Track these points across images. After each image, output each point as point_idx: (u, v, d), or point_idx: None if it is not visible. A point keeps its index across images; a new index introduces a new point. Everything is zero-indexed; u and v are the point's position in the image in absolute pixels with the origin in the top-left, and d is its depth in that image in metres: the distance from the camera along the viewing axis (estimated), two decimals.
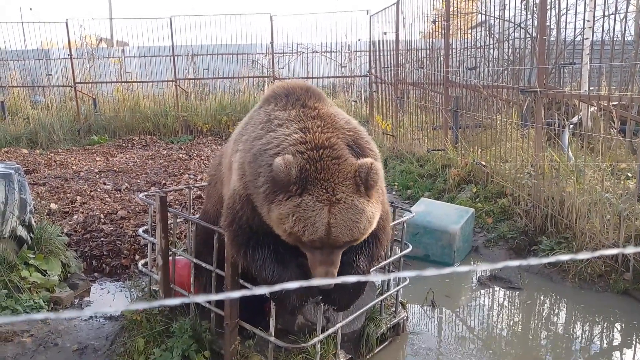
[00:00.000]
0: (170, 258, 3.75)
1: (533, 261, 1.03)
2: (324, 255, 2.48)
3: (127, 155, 11.32)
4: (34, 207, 5.39)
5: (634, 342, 4.05)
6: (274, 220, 2.48)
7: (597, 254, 1.02)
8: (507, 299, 4.88)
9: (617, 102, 6.08)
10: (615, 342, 4.08)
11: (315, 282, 0.94)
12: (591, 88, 7.21)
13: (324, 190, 2.39)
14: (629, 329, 4.21)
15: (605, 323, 4.36)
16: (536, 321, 4.48)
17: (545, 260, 1.03)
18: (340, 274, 2.59)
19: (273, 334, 3.13)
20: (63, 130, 13.16)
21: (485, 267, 1.02)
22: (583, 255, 0.98)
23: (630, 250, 1.00)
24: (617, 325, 4.31)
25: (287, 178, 2.36)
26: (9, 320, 0.82)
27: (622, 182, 5.61)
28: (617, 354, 3.91)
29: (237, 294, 0.93)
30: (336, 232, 2.40)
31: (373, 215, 2.50)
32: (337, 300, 2.89)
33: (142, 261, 4.37)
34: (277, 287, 1.08)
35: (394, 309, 4.03)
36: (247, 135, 2.84)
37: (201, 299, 0.90)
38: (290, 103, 2.82)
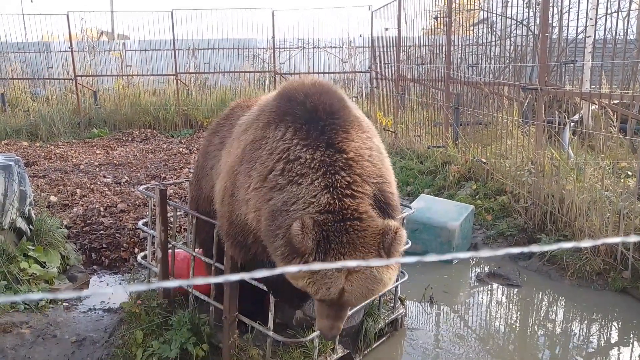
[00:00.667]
0: (170, 251, 3.75)
1: (535, 248, 1.02)
2: (332, 311, 2.40)
3: (127, 149, 11.32)
4: (34, 200, 5.39)
5: (631, 340, 4.05)
6: (288, 276, 2.37)
7: (600, 242, 1.02)
8: (506, 296, 4.89)
9: (618, 101, 6.07)
10: (613, 340, 4.09)
11: (316, 266, 0.93)
12: (592, 86, 7.19)
13: (345, 257, 2.24)
14: (627, 327, 4.22)
15: (603, 321, 4.36)
16: (534, 318, 4.48)
17: (546, 248, 1.03)
18: None
19: (272, 328, 3.14)
20: (63, 123, 13.15)
21: (487, 253, 1.02)
22: (586, 244, 0.98)
23: (633, 239, 1.00)
24: (615, 323, 4.31)
25: (303, 249, 2.21)
26: (7, 300, 0.82)
27: (622, 180, 5.61)
28: (614, 351, 3.92)
29: (235, 277, 0.93)
30: (349, 297, 2.29)
31: (390, 280, 2.38)
32: None
33: (142, 254, 4.37)
34: (278, 271, 1.08)
35: (392, 305, 4.04)
36: (261, 166, 2.51)
37: (200, 280, 0.89)
38: (312, 137, 2.44)
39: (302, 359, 3.19)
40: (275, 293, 3.07)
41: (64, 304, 4.46)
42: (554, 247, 1.03)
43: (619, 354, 3.87)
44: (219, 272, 3.36)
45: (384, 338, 3.89)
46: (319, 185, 2.33)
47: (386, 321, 3.87)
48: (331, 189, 2.32)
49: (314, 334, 3.17)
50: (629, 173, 5.83)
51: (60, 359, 3.68)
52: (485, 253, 1.05)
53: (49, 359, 3.66)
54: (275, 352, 3.24)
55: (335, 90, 2.75)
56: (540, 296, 4.87)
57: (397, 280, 4.02)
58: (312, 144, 2.42)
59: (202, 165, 3.64)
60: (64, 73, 15.66)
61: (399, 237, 2.23)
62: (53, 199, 7.04)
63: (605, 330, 4.25)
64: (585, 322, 4.39)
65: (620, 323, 4.30)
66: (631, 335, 4.12)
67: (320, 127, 2.46)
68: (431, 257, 0.93)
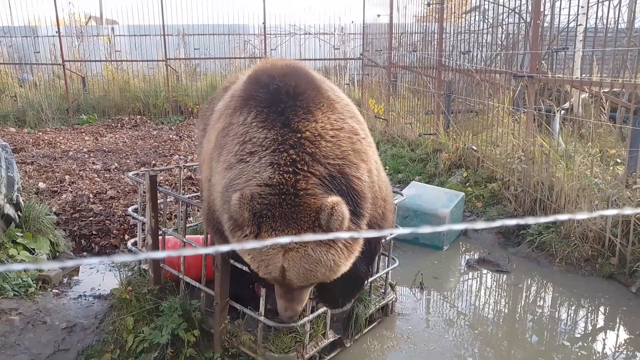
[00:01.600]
0: (160, 237, 3.73)
1: (531, 220, 1.03)
2: (285, 292, 2.45)
3: (117, 135, 11.21)
4: (22, 186, 5.33)
5: (617, 325, 4.12)
6: (237, 251, 2.45)
7: (596, 214, 1.03)
8: (495, 282, 4.94)
9: (608, 89, 6.10)
10: (599, 325, 4.15)
11: (310, 237, 0.93)
12: (583, 75, 7.22)
13: (278, 232, 2.24)
14: (614, 313, 4.28)
15: (591, 307, 4.43)
16: (523, 304, 4.53)
17: (542, 220, 1.03)
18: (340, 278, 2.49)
19: (263, 313, 3.15)
20: (51, 109, 12.97)
21: (482, 225, 1.02)
22: (581, 216, 0.98)
23: (629, 211, 1.01)
24: (602, 309, 4.38)
25: (241, 220, 2.24)
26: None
27: (611, 168, 5.66)
28: (601, 336, 3.98)
29: (225, 247, 0.92)
30: (290, 277, 2.31)
31: (336, 263, 2.33)
32: (332, 297, 2.88)
33: (132, 240, 4.35)
34: (269, 242, 1.07)
35: (383, 291, 4.06)
36: (226, 151, 2.53)
37: (189, 251, 0.88)
38: (270, 118, 2.43)
39: (294, 344, 3.21)
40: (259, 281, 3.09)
41: (53, 290, 4.44)
42: (550, 219, 1.03)
43: (605, 339, 3.93)
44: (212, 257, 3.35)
45: (375, 323, 3.92)
46: (264, 163, 2.34)
47: (377, 307, 3.89)
48: (275, 166, 2.31)
49: (305, 319, 3.18)
50: (618, 161, 5.88)
51: (50, 345, 3.66)
52: (480, 224, 1.05)
53: (39, 345, 3.65)
54: (266, 337, 3.25)
55: (306, 72, 2.71)
56: (529, 282, 4.92)
57: (387, 266, 4.04)
58: (268, 125, 2.43)
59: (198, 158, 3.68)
60: (52, 58, 15.43)
61: (336, 214, 2.18)
62: (41, 185, 6.97)
63: (593, 316, 4.31)
64: (573, 307, 4.45)
65: (607, 308, 4.36)
66: (617, 320, 4.18)
67: (280, 109, 2.45)
68: (425, 229, 0.93)
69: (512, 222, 0.99)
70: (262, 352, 3.15)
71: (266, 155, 2.35)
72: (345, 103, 2.76)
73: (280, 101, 2.47)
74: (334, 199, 2.23)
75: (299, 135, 2.38)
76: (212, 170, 2.71)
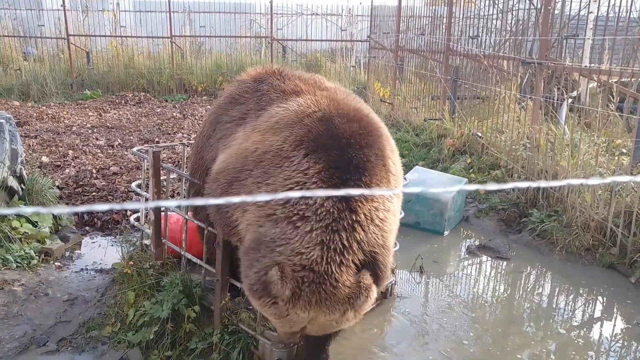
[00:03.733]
0: (162, 213, 3.74)
1: (543, 184, 1.02)
2: (292, 332, 2.52)
3: (121, 112, 11.19)
4: (25, 159, 5.34)
5: (614, 315, 4.13)
6: (254, 304, 2.45)
7: (609, 180, 1.01)
8: (495, 269, 4.95)
9: (617, 79, 6.03)
10: (597, 315, 4.17)
11: (320, 193, 0.92)
12: (592, 64, 7.14)
13: (311, 313, 2.31)
14: (612, 302, 4.29)
15: (589, 296, 4.44)
16: (521, 291, 4.55)
17: (554, 184, 1.02)
18: None
19: None
20: (55, 84, 12.91)
21: (494, 186, 1.02)
22: (594, 181, 0.97)
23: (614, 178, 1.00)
24: (600, 298, 4.39)
25: (279, 295, 2.23)
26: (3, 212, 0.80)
27: (617, 158, 5.63)
28: (597, 325, 4.00)
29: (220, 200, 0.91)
30: (310, 332, 2.43)
31: (353, 319, 2.43)
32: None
33: (134, 215, 4.37)
34: (273, 196, 1.06)
35: None
36: (273, 185, 2.44)
37: (200, 201, 0.88)
38: (332, 183, 2.36)
39: None
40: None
41: (55, 263, 4.47)
42: (562, 183, 1.02)
43: (601, 328, 3.95)
44: (212, 236, 3.36)
45: (374, 305, 3.94)
46: (314, 239, 2.27)
47: None
48: (324, 248, 2.27)
49: None
50: (624, 151, 5.84)
51: (52, 317, 3.70)
52: (492, 186, 1.05)
53: (40, 316, 3.69)
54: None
55: (382, 143, 2.60)
56: (528, 270, 4.93)
57: None
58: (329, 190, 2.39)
59: (209, 134, 3.34)
60: (56, 32, 15.30)
61: (370, 297, 2.29)
62: (45, 159, 6.98)
63: (591, 305, 4.33)
64: (572, 296, 4.47)
65: (605, 298, 4.38)
66: (615, 310, 4.20)
67: (344, 179, 2.37)
68: (436, 190, 0.93)
69: (524, 184, 0.98)
70: (261, 330, 3.18)
71: (318, 229, 2.28)
72: (399, 174, 2.75)
73: (348, 171, 2.39)
74: (367, 281, 2.29)
75: (354, 217, 2.33)
76: (241, 181, 2.61)
